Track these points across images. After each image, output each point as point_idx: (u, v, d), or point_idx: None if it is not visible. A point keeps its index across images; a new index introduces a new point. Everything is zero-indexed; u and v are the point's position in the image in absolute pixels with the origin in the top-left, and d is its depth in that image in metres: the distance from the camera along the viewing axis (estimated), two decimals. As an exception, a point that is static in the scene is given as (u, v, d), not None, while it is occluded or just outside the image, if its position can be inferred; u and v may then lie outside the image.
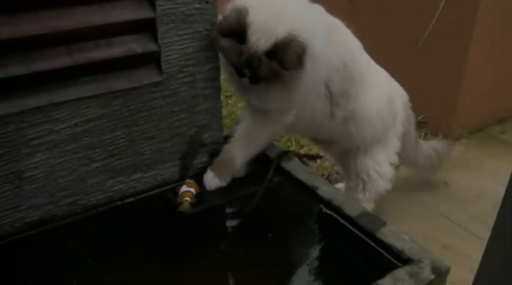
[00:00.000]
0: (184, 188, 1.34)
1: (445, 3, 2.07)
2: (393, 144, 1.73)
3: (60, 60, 1.14)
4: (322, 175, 2.09)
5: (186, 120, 1.36)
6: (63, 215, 1.27)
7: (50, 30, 1.10)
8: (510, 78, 2.46)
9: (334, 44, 1.46)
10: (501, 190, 0.87)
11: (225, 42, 1.27)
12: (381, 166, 1.70)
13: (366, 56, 1.65)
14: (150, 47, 1.23)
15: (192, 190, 1.34)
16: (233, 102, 2.65)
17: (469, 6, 2.10)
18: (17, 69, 1.09)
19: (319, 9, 1.43)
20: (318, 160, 2.16)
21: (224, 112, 2.47)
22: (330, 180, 2.09)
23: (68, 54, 1.15)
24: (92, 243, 1.23)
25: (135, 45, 1.22)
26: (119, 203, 1.34)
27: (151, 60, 1.25)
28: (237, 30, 1.24)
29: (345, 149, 1.71)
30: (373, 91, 1.64)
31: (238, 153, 1.41)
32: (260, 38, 1.23)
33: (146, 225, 1.30)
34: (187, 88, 1.32)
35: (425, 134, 2.46)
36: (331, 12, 2.84)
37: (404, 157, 1.86)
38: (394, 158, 1.74)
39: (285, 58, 1.23)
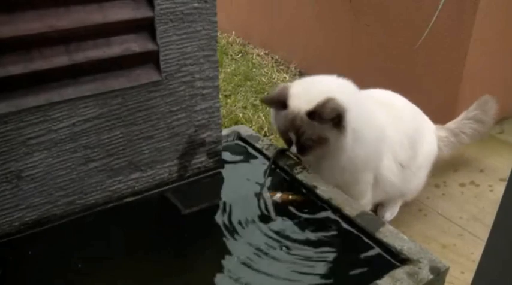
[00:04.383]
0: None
1: (444, 3, 2.07)
2: None
3: (59, 59, 1.14)
4: (321, 174, 2.09)
5: (185, 120, 1.36)
6: (62, 214, 1.27)
7: (49, 29, 1.10)
8: (509, 78, 2.45)
9: (397, 120, 1.68)
10: (500, 190, 0.87)
11: (274, 114, 1.53)
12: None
13: (414, 113, 1.83)
14: (149, 46, 1.23)
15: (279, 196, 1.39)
16: (232, 101, 2.65)
17: (468, 6, 2.10)
18: (15, 68, 1.09)
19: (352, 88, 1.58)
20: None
21: (223, 111, 2.47)
22: (329, 180, 2.08)
23: (66, 53, 1.15)
24: (91, 243, 1.23)
25: (133, 44, 1.22)
26: (117, 202, 1.34)
27: (149, 59, 1.25)
28: (280, 99, 1.47)
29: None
30: (428, 137, 1.85)
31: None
32: (301, 102, 1.43)
33: (145, 225, 1.30)
34: (186, 88, 1.32)
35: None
36: (331, 12, 2.84)
37: (452, 153, 2.03)
38: None
39: (323, 112, 1.39)
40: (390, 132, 1.64)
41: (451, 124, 2.05)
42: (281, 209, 1.35)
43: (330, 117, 1.39)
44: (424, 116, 1.89)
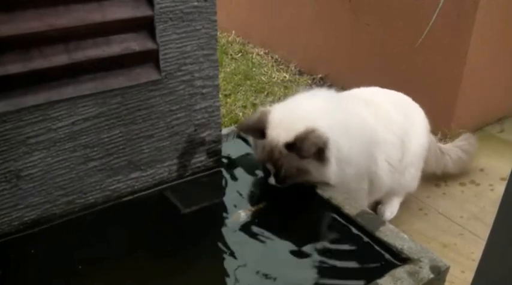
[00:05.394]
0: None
1: (444, 2, 2.07)
2: None
3: (58, 58, 1.13)
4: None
5: (184, 119, 1.36)
6: (61, 214, 1.26)
7: (48, 28, 1.10)
8: (509, 77, 2.45)
9: (385, 120, 1.64)
10: (500, 189, 0.87)
11: (253, 140, 1.44)
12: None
13: (401, 110, 1.77)
14: (148, 45, 1.23)
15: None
16: (232, 100, 2.65)
17: (468, 5, 2.10)
18: (14, 67, 1.09)
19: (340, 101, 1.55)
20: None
21: (223, 111, 2.47)
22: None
23: (65, 52, 1.14)
24: (90, 242, 1.22)
25: (133, 43, 1.21)
26: (116, 202, 1.33)
27: (149, 58, 1.25)
28: (257, 127, 1.38)
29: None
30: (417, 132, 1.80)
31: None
32: (280, 132, 1.34)
33: (144, 224, 1.30)
34: (185, 87, 1.32)
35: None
36: (331, 12, 2.84)
37: (435, 169, 2.01)
38: None
39: (302, 148, 1.30)
40: (381, 133, 1.60)
41: (440, 145, 2.08)
42: (281, 209, 1.35)
43: (310, 152, 1.30)
44: (413, 108, 1.85)
